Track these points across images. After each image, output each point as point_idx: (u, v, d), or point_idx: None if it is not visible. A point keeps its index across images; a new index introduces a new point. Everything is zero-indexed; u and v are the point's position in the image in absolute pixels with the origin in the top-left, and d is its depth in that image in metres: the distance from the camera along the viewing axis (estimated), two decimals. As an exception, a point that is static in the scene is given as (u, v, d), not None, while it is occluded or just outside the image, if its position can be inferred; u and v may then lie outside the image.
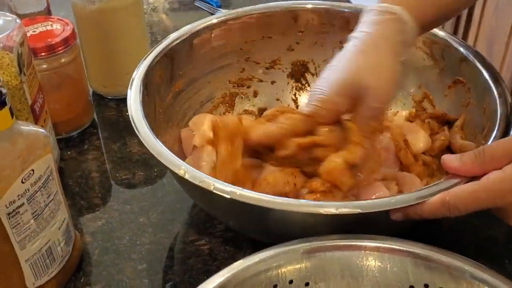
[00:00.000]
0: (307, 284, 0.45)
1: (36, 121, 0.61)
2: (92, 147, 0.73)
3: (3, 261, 0.49)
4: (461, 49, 0.65)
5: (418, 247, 0.44)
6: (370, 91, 0.53)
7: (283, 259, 0.44)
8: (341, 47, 0.58)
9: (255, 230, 0.56)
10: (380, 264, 0.45)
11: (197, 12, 1.02)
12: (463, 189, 0.46)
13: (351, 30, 0.58)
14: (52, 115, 0.68)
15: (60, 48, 0.68)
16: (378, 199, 0.50)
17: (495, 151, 0.47)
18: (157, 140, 0.53)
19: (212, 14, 0.99)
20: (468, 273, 0.42)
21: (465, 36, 1.62)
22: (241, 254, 0.59)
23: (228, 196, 0.47)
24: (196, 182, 0.48)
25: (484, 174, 0.46)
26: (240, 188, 0.48)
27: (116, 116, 0.78)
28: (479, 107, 0.61)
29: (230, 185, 0.48)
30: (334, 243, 0.45)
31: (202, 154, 0.60)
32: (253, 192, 0.47)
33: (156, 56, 0.64)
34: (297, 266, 0.44)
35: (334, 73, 0.55)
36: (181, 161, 0.51)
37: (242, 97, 0.74)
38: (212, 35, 0.70)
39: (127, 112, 0.77)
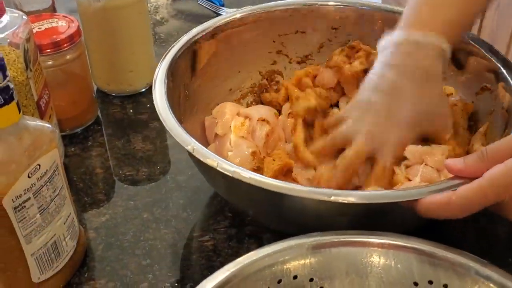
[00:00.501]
0: (311, 279, 0.45)
1: (41, 117, 0.62)
2: (96, 143, 0.74)
3: (9, 255, 0.50)
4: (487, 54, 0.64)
5: (422, 244, 0.45)
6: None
7: (288, 254, 0.44)
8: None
9: (270, 217, 0.57)
10: (384, 260, 0.45)
11: (201, 11, 1.03)
12: (469, 188, 0.46)
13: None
14: (57, 112, 0.68)
15: (65, 45, 0.68)
16: (385, 191, 0.50)
17: (498, 149, 0.47)
18: (185, 132, 0.53)
19: (216, 13, 0.99)
20: (473, 270, 0.43)
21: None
22: (245, 250, 0.59)
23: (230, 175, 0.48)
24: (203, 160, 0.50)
25: None
26: (244, 169, 0.49)
27: (120, 113, 0.79)
28: (502, 112, 0.61)
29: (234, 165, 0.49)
30: (339, 239, 0.45)
31: (225, 143, 0.62)
32: (260, 175, 0.49)
33: (182, 47, 0.64)
34: (302, 261, 0.44)
35: None
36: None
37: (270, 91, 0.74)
38: (242, 26, 0.70)
39: (131, 109, 0.79)
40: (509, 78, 0.60)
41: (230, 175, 0.48)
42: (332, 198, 0.46)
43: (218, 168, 0.49)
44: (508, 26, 1.48)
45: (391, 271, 0.45)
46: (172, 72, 0.61)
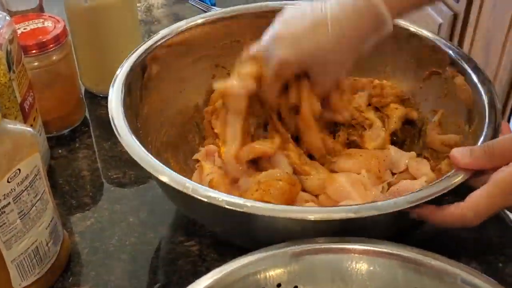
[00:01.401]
0: (295, 287, 0.44)
1: (25, 120, 0.61)
2: (83, 145, 0.73)
3: (-12, 262, 0.49)
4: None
5: (407, 251, 0.44)
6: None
7: (271, 262, 0.43)
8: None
9: (240, 237, 0.55)
10: (369, 267, 0.44)
11: (192, 10, 1.02)
12: (480, 199, 0.45)
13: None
14: (43, 113, 0.68)
15: (51, 45, 0.67)
16: (367, 204, 0.49)
17: (505, 146, 0.47)
18: (140, 145, 0.52)
19: (206, 12, 0.98)
20: (459, 278, 0.42)
21: (462, 36, 1.61)
22: (231, 255, 0.58)
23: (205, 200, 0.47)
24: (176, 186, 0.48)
25: (493, 168, 0.47)
26: (218, 192, 0.47)
27: (108, 115, 0.77)
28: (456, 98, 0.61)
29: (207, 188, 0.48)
30: (323, 246, 0.44)
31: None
32: (234, 196, 0.47)
33: (132, 65, 0.62)
34: (285, 269, 0.44)
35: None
36: (164, 166, 0.50)
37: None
38: (180, 42, 0.67)
39: (119, 110, 0.78)
40: (458, 60, 0.61)
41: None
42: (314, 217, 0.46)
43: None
44: (504, 26, 1.48)
45: (375, 278, 0.44)
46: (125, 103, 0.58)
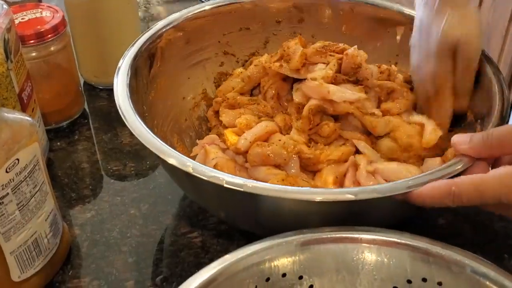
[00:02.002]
0: (300, 277, 0.43)
1: (23, 110, 0.60)
2: (82, 137, 0.72)
3: (-14, 253, 0.48)
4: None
5: (416, 240, 0.43)
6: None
7: (276, 252, 0.42)
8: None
9: (243, 220, 0.55)
10: (376, 257, 0.43)
11: (192, 2, 1.00)
12: (471, 181, 0.45)
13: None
14: (41, 105, 0.66)
15: (49, 35, 0.66)
16: (372, 186, 0.48)
17: (504, 136, 0.47)
18: (148, 130, 0.51)
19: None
20: (469, 267, 0.41)
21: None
22: (234, 247, 0.57)
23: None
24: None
25: (491, 158, 0.47)
26: (223, 172, 0.47)
27: (108, 107, 0.77)
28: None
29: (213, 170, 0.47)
30: (329, 235, 0.43)
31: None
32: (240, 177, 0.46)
33: (138, 50, 0.61)
34: (291, 259, 0.43)
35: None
36: (170, 148, 0.49)
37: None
38: (189, 28, 0.67)
39: (119, 102, 0.77)
40: None
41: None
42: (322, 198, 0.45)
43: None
44: (504, 19, 1.47)
45: (383, 268, 0.43)
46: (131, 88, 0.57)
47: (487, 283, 0.40)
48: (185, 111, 0.67)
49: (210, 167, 0.49)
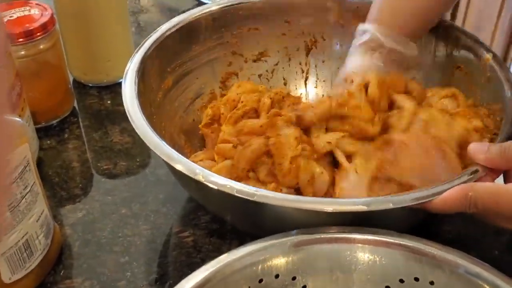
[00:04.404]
0: (294, 278, 0.43)
1: (13, 110, 0.59)
2: (72, 136, 0.71)
3: (-23, 255, 0.47)
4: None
5: (408, 240, 0.43)
6: None
7: (270, 253, 0.43)
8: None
9: (249, 226, 0.54)
10: (369, 257, 0.44)
11: (182, 1, 1.00)
12: (487, 189, 0.45)
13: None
14: (31, 104, 0.66)
15: (38, 33, 0.66)
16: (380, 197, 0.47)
17: None
18: (155, 133, 0.51)
19: (198, 1, 0.97)
20: (461, 267, 0.41)
21: (453, 17, 1.60)
22: (226, 246, 0.57)
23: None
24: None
25: (507, 170, 0.48)
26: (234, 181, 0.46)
27: (98, 104, 0.76)
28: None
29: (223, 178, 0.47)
30: (322, 236, 0.43)
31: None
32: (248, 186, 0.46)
33: (147, 51, 0.60)
34: (284, 260, 0.43)
35: None
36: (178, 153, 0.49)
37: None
38: (195, 28, 0.67)
39: (109, 100, 0.77)
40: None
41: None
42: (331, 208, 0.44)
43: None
44: (493, 13, 1.47)
45: (376, 268, 0.44)
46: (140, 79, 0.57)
47: (480, 282, 0.41)
48: (193, 111, 0.67)
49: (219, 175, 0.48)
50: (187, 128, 0.65)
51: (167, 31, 0.64)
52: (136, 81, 0.57)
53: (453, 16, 1.60)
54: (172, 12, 0.96)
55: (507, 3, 1.46)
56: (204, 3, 0.77)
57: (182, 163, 0.48)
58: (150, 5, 0.99)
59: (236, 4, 0.69)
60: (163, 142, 0.50)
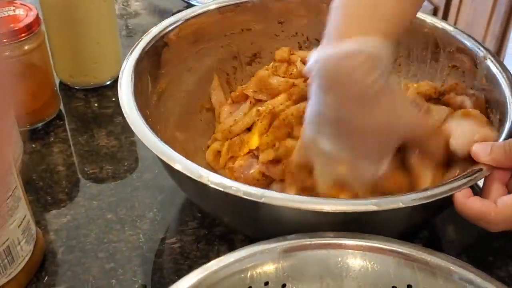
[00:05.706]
0: (283, 285, 0.42)
1: (-5, 112, 0.58)
2: (58, 139, 0.70)
3: (-44, 262, 0.46)
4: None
5: (400, 246, 0.42)
6: None
7: (259, 259, 0.41)
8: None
9: (250, 227, 0.54)
10: (361, 263, 0.42)
11: (172, 3, 0.99)
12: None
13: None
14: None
15: (23, 34, 0.64)
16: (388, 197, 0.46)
17: None
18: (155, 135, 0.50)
19: (188, 3, 0.96)
20: (455, 274, 0.40)
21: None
22: (214, 253, 0.56)
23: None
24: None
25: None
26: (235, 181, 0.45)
27: (84, 107, 0.75)
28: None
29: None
30: (312, 242, 0.42)
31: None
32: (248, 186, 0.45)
33: (140, 54, 0.59)
34: (274, 266, 0.42)
35: None
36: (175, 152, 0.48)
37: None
38: (188, 30, 0.65)
39: (96, 103, 0.75)
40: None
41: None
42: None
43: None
44: (484, 16, 1.48)
45: (367, 274, 0.42)
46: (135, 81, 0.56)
47: (473, 289, 0.40)
48: (189, 113, 0.66)
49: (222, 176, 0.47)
50: (183, 129, 0.64)
51: (160, 32, 0.62)
52: (132, 83, 0.55)
53: (446, 12, 1.60)
54: (163, 14, 0.95)
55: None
56: (193, 5, 0.76)
57: (181, 162, 0.47)
58: (140, 9, 0.98)
59: (229, 5, 0.68)
60: (163, 143, 0.49)
